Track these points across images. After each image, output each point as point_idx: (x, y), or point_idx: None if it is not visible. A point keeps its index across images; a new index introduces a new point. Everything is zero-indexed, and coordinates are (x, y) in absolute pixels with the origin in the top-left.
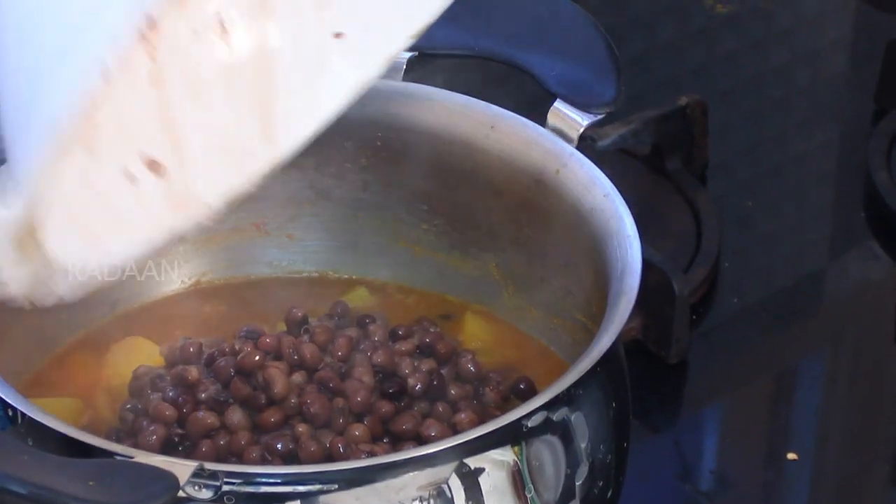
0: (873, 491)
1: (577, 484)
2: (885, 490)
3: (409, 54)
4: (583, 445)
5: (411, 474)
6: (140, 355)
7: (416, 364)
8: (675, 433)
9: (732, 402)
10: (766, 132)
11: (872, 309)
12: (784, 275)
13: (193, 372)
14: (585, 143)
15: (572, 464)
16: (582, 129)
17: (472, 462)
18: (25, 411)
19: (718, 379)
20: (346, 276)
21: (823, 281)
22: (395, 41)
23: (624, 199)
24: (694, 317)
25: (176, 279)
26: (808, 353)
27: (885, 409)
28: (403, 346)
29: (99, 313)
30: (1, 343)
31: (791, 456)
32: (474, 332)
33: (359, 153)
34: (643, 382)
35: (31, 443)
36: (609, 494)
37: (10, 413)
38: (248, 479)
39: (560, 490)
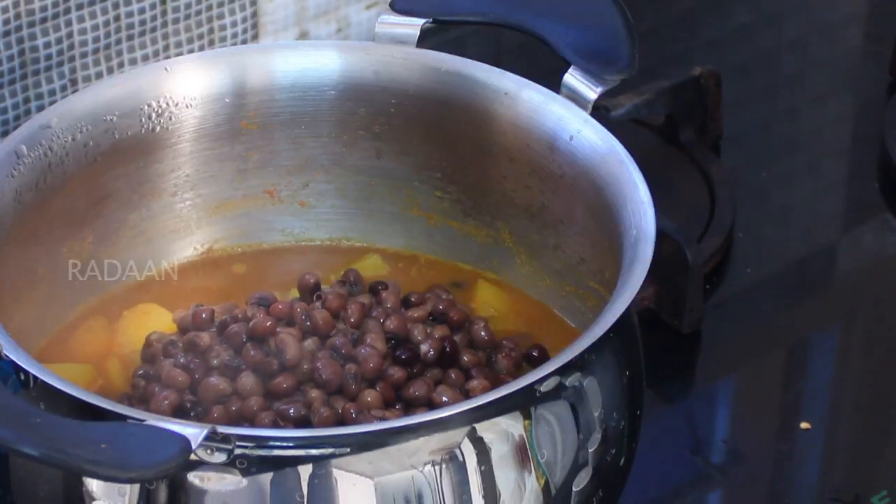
0: (886, 462)
1: (590, 451)
2: None
3: (422, 21)
4: (595, 412)
5: (423, 439)
6: (152, 322)
7: (428, 331)
8: (687, 403)
9: (746, 372)
10: (780, 105)
11: (887, 281)
12: (798, 246)
13: (205, 338)
14: (599, 113)
15: (585, 430)
16: (596, 97)
17: (484, 427)
18: (38, 375)
19: (732, 349)
20: (359, 244)
21: (837, 253)
22: None
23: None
24: (707, 287)
25: (188, 246)
26: (822, 324)
27: None
28: (416, 313)
29: (111, 280)
30: (14, 309)
31: (804, 425)
32: (486, 300)
33: (372, 120)
34: (656, 352)
35: (43, 407)
36: (622, 462)
37: (23, 377)
38: (261, 442)
39: (573, 456)
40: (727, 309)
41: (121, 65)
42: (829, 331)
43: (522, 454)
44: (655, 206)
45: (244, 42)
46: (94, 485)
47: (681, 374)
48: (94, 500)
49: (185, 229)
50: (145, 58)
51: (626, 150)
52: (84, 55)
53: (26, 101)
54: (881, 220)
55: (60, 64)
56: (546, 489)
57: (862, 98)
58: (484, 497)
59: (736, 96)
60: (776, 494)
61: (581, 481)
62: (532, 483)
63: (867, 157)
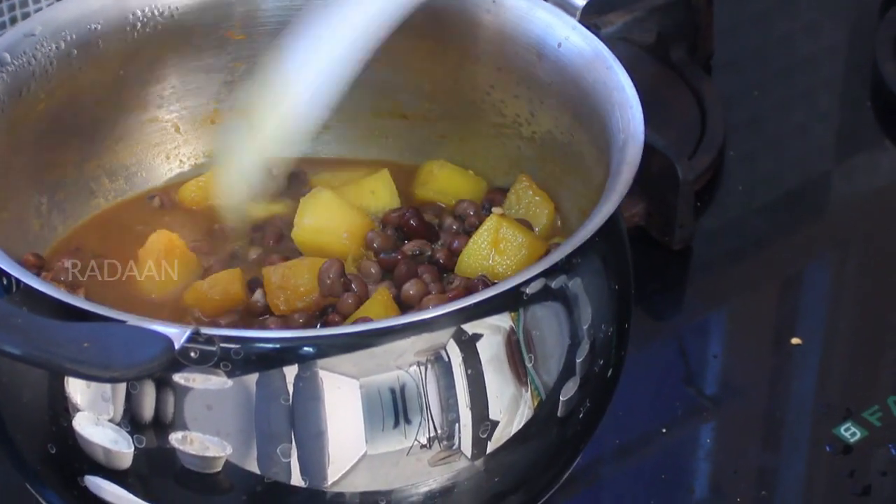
0: (878, 378)
1: (578, 361)
2: (891, 375)
3: None
4: (583, 320)
5: (409, 340)
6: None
7: None
8: (678, 319)
9: (737, 289)
10: (773, 32)
11: (882, 199)
12: (791, 166)
13: None
14: (589, 30)
15: (573, 338)
16: (584, 2)
17: (471, 328)
18: (21, 278)
19: (723, 267)
20: (350, 158)
21: (831, 174)
22: None
23: None
24: (698, 205)
25: (174, 159)
26: (816, 244)
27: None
28: None
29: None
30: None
31: (795, 341)
32: None
33: None
34: (646, 270)
35: (26, 311)
36: (609, 374)
37: (6, 282)
38: (245, 342)
39: (561, 364)
40: (718, 228)
41: None
42: (823, 249)
43: (510, 357)
44: (646, 121)
45: None
46: (78, 395)
47: (671, 291)
48: (78, 410)
49: (171, 142)
50: None
51: (613, 55)
52: None
53: (13, 21)
54: (875, 140)
55: None
56: (534, 395)
57: (855, 24)
58: (470, 400)
59: (729, 23)
60: (768, 409)
61: (569, 391)
62: (520, 388)
63: (861, 81)
